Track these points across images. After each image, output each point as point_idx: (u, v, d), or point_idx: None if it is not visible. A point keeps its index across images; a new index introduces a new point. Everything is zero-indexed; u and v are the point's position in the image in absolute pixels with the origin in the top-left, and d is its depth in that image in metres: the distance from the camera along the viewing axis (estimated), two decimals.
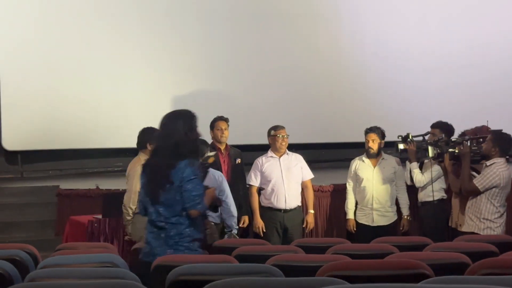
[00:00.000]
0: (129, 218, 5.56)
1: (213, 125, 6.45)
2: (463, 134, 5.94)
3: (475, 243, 4.27)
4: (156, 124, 6.35)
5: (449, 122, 6.12)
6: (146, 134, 5.99)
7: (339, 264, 3.07)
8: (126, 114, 7.66)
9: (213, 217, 5.34)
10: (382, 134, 6.27)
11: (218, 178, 5.61)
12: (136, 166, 5.88)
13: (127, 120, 7.44)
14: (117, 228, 6.02)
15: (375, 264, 3.13)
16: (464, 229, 5.37)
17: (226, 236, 5.57)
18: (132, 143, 6.02)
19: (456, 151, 5.47)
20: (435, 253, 3.70)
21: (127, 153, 6.24)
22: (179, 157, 3.94)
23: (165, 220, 4.03)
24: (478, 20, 7.95)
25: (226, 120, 6.43)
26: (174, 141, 3.95)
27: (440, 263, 3.40)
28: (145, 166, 4.11)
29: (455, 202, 5.74)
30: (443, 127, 6.06)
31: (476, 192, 5.26)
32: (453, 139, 5.65)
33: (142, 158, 5.92)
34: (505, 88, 8.05)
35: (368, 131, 6.28)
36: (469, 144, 5.41)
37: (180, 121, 4.00)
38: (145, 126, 6.08)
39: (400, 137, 6.04)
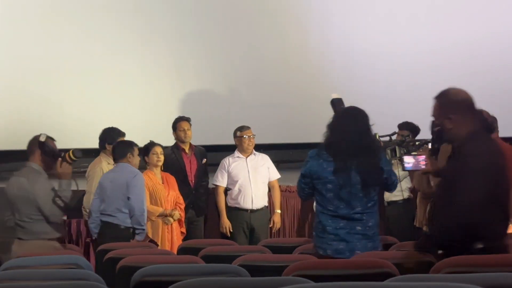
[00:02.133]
0: (88, 219, 5.52)
1: (175, 126, 6.43)
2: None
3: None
4: (122, 124, 6.37)
5: (416, 123, 6.17)
6: (106, 135, 5.94)
7: (305, 264, 3.08)
8: (92, 114, 7.58)
9: (120, 220, 5.32)
10: None
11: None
12: (96, 167, 5.84)
13: (93, 120, 7.36)
14: (81, 229, 5.96)
15: (341, 263, 3.15)
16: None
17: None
18: (96, 143, 5.98)
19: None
20: (402, 252, 3.73)
21: (94, 154, 6.17)
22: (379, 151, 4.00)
23: (361, 212, 3.87)
24: (445, 20, 8.03)
25: (188, 120, 6.41)
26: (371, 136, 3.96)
27: (406, 262, 3.42)
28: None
29: (420, 202, 5.79)
30: (409, 128, 6.11)
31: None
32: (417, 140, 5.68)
33: (103, 159, 5.89)
34: (472, 88, 8.13)
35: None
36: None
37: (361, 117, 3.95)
38: (107, 127, 6.05)
39: None
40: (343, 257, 3.75)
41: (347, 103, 4.33)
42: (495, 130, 4.85)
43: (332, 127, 3.91)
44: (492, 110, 4.79)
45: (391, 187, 4.01)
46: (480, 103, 3.59)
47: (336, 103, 4.29)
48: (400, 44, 7.93)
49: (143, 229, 5.35)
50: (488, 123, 4.61)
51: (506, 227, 3.40)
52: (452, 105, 3.29)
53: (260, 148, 6.67)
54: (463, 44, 7.95)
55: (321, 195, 3.85)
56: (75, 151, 4.57)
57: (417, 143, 5.32)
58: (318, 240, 3.88)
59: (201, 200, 6.46)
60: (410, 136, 5.80)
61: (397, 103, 7.70)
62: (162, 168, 6.15)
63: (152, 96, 7.62)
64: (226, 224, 6.37)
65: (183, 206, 6.18)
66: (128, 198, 5.25)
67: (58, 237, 4.68)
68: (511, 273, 2.85)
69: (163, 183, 6.11)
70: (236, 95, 7.73)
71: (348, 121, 3.88)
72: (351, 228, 3.83)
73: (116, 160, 5.54)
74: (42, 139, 4.57)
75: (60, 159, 4.59)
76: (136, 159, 5.55)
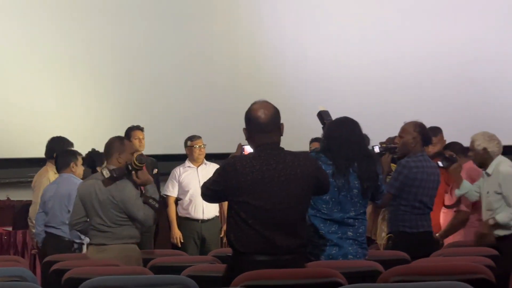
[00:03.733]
0: (34, 231, 5.41)
1: (129, 135, 6.35)
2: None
3: (389, 251, 4.36)
4: (68, 133, 6.27)
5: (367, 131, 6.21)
6: (54, 144, 5.85)
7: (254, 274, 3.06)
8: (39, 122, 7.45)
9: (65, 232, 5.25)
10: None
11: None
12: (42, 178, 5.73)
13: (40, 129, 7.23)
14: (28, 241, 5.83)
15: (290, 273, 3.14)
16: (379, 241, 5.45)
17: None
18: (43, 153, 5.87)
19: None
20: (348, 262, 3.75)
21: (41, 163, 6.05)
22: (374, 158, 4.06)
23: (353, 217, 3.86)
24: (398, 31, 8.13)
25: (142, 129, 6.36)
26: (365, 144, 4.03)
27: (353, 271, 3.44)
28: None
29: (369, 212, 5.83)
30: None
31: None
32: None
33: (49, 168, 5.78)
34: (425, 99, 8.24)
35: (314, 140, 6.32)
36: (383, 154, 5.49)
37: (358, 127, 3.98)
38: (55, 136, 5.95)
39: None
40: None
41: (298, 110, 4.35)
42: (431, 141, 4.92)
43: (330, 135, 3.95)
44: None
45: (380, 197, 4.04)
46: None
47: (324, 115, 4.33)
48: (352, 53, 8.00)
49: (82, 243, 5.28)
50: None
51: None
52: (247, 120, 3.46)
53: (211, 157, 6.65)
54: (416, 54, 8.06)
55: (316, 198, 3.82)
56: (137, 158, 4.44)
57: None
58: (310, 246, 3.84)
59: None
60: None
61: (347, 111, 7.75)
62: None
63: (100, 105, 7.52)
64: (177, 234, 6.34)
65: None
66: (69, 211, 5.18)
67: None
68: (457, 281, 2.89)
69: None
70: (187, 104, 7.68)
71: (346, 129, 3.92)
72: (343, 232, 3.84)
73: (59, 170, 5.45)
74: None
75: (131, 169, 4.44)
76: (80, 169, 5.47)
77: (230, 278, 3.19)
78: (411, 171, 4.64)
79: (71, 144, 5.97)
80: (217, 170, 3.45)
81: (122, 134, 6.44)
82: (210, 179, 3.44)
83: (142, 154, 4.52)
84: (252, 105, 3.45)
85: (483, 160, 5.07)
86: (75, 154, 5.50)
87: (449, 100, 7.97)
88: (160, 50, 7.73)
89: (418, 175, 4.64)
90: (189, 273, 3.50)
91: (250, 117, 3.42)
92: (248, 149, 4.02)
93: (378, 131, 6.19)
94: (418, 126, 4.75)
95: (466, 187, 5.16)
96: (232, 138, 7.68)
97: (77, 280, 3.28)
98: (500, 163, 5.02)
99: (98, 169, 5.97)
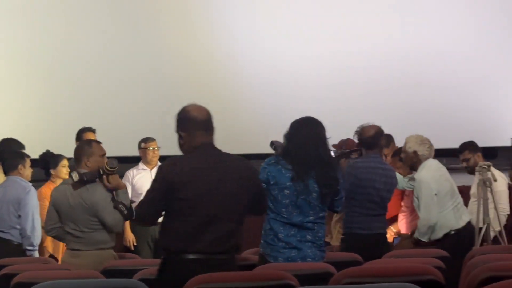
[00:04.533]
0: None
1: (80, 137, 6.27)
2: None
3: (342, 253, 4.39)
4: (21, 135, 6.16)
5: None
6: (5, 146, 5.76)
7: (206, 277, 3.06)
8: None
9: (14, 236, 5.18)
10: None
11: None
12: None
13: None
14: None
15: (242, 275, 3.14)
16: (333, 242, 5.50)
17: None
18: None
19: None
20: (301, 264, 3.77)
21: None
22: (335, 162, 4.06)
23: (313, 221, 3.86)
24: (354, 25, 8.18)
25: (94, 131, 6.29)
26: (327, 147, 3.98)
27: (306, 273, 3.46)
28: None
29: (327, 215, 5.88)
30: None
31: None
32: None
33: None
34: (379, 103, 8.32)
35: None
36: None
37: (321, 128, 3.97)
38: (6, 137, 5.85)
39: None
40: None
41: (254, 113, 4.35)
42: (376, 146, 4.93)
43: (290, 136, 3.93)
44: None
45: (339, 203, 4.03)
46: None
47: (277, 145, 4.35)
48: (304, 55, 8.03)
49: (35, 249, 5.21)
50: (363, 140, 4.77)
51: None
52: (183, 122, 3.45)
53: (165, 159, 6.58)
54: (365, 55, 8.14)
55: (276, 202, 3.85)
56: (109, 162, 4.40)
57: None
58: (268, 248, 3.88)
59: None
60: None
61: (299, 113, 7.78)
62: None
63: (53, 106, 7.41)
64: (130, 237, 6.28)
65: None
66: (19, 216, 5.10)
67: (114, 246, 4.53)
68: (406, 283, 2.93)
69: None
70: (141, 105, 7.62)
71: (306, 131, 3.91)
72: (302, 236, 3.85)
73: (6, 173, 5.36)
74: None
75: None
76: (28, 171, 5.39)
77: (162, 279, 3.21)
78: (357, 171, 4.68)
79: (22, 146, 5.87)
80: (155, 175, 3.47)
81: (74, 136, 6.37)
82: (146, 192, 3.40)
83: (114, 159, 4.46)
84: (185, 107, 3.47)
85: (412, 162, 5.18)
86: (23, 156, 5.41)
87: (396, 103, 8.07)
88: (111, 52, 7.64)
89: (364, 175, 4.67)
90: (141, 277, 3.48)
91: (187, 117, 3.42)
92: None
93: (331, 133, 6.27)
94: (357, 129, 4.83)
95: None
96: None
97: (26, 284, 3.24)
98: (424, 168, 5.11)
99: (52, 171, 5.90)
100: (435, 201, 5.04)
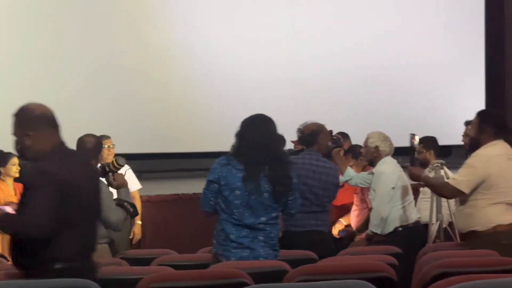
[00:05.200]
0: None
1: None
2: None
3: (296, 251, 4.40)
4: None
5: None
6: None
7: (159, 276, 3.03)
8: None
9: None
10: None
11: None
12: None
13: None
14: None
15: (196, 274, 3.13)
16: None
17: None
18: None
19: None
20: (256, 262, 3.77)
21: None
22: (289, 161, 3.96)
23: (265, 222, 3.82)
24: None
25: None
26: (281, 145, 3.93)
27: (261, 271, 3.46)
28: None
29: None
30: None
31: None
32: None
33: None
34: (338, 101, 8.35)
35: None
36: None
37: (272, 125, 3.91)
38: None
39: None
40: None
41: (210, 109, 4.31)
42: (314, 144, 4.87)
43: (241, 135, 3.90)
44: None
45: (294, 205, 3.97)
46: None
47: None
48: (263, 54, 8.04)
49: None
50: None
51: None
52: (29, 121, 3.18)
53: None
54: (323, 56, 8.18)
55: (227, 202, 3.82)
56: (118, 159, 4.27)
57: None
58: (220, 248, 3.86)
59: None
60: None
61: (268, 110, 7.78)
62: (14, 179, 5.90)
63: (3, 101, 7.26)
64: None
65: None
66: None
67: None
68: (360, 280, 2.95)
69: (16, 195, 5.86)
70: (96, 102, 7.52)
71: (258, 129, 3.87)
72: (254, 237, 3.83)
73: None
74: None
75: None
76: None
77: None
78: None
79: None
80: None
81: None
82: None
83: (121, 156, 4.38)
84: (27, 105, 3.24)
85: (373, 158, 5.26)
86: None
87: (357, 102, 8.15)
88: (70, 49, 7.53)
89: (300, 172, 4.59)
90: None
91: (36, 115, 3.19)
92: None
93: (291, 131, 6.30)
94: (299, 127, 4.86)
95: (349, 174, 5.28)
96: (141, 138, 7.63)
97: None
98: (384, 163, 5.19)
99: (1, 169, 5.79)
100: (391, 194, 5.09)
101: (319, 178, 4.71)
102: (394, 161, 5.32)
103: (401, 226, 5.09)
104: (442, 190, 4.47)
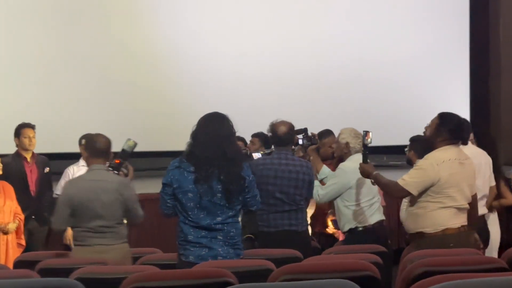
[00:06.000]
0: None
1: (19, 132, 6.15)
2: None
3: (281, 250, 4.40)
4: None
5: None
6: None
7: (143, 275, 3.02)
8: None
9: None
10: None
11: None
12: None
13: None
14: None
15: (180, 273, 3.12)
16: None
17: None
18: None
19: None
20: (242, 261, 3.77)
21: None
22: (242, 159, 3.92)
23: (222, 222, 3.81)
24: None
25: (33, 127, 6.18)
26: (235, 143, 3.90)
27: (245, 271, 3.46)
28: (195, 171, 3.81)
29: None
30: (262, 137, 6.22)
31: None
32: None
33: None
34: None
35: (254, 135, 6.32)
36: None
37: (226, 124, 3.87)
38: None
39: None
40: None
41: (196, 110, 4.29)
42: (289, 143, 4.93)
43: (194, 135, 3.88)
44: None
45: (254, 202, 3.96)
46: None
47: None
48: (249, 50, 8.06)
49: None
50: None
51: None
52: None
53: None
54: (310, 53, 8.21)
55: (182, 205, 3.83)
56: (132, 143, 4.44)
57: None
58: (181, 248, 3.88)
59: (44, 210, 6.21)
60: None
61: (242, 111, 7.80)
62: None
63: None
64: (70, 235, 6.16)
65: (22, 217, 5.93)
66: None
67: None
68: (344, 280, 2.95)
69: None
70: (83, 100, 7.50)
71: (209, 129, 3.85)
72: (213, 236, 3.84)
73: None
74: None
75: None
76: None
77: None
78: (257, 168, 4.63)
79: None
80: None
81: (9, 131, 6.24)
82: None
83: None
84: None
85: (342, 153, 5.23)
86: None
87: (339, 100, 8.18)
88: (53, 43, 7.51)
89: (264, 172, 4.65)
90: (78, 276, 3.41)
91: None
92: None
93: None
94: (269, 126, 4.84)
95: (325, 172, 5.28)
96: (128, 136, 7.60)
97: None
98: (350, 160, 5.14)
99: None
100: (337, 191, 5.06)
101: (288, 177, 4.69)
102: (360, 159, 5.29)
103: (360, 227, 5.08)
104: (391, 190, 4.43)
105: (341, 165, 5.12)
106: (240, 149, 4.08)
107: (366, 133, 4.70)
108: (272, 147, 4.99)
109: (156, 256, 4.41)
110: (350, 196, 5.05)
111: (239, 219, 4.03)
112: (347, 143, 5.19)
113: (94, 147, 4.47)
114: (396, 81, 8.44)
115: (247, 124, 6.68)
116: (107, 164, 4.40)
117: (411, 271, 3.23)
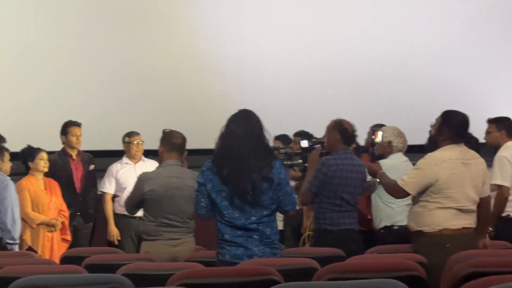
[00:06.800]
0: None
1: (66, 130, 6.25)
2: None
3: (324, 248, 4.40)
4: (3, 129, 6.09)
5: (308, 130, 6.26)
6: None
7: (190, 272, 3.05)
8: None
9: None
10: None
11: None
12: None
13: None
14: None
15: (226, 271, 3.14)
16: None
17: None
18: None
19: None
20: (286, 259, 3.77)
21: None
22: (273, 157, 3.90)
23: (256, 221, 3.82)
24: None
25: (79, 125, 6.27)
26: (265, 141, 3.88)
27: (290, 269, 3.47)
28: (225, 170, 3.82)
29: (307, 210, 5.89)
30: (281, 138, 6.18)
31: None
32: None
33: None
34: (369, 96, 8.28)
35: (276, 138, 6.33)
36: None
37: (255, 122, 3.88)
38: None
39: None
40: (241, 262, 3.75)
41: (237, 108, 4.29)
42: (353, 142, 4.93)
43: (222, 134, 3.89)
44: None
45: (288, 201, 3.90)
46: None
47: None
48: (287, 52, 8.04)
49: (16, 243, 5.19)
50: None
51: None
52: None
53: (149, 154, 6.57)
54: (355, 52, 8.15)
55: (217, 204, 3.84)
56: None
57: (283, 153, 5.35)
58: (219, 247, 3.90)
59: (89, 207, 6.31)
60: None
61: (286, 108, 7.79)
62: (45, 174, 5.97)
63: (36, 101, 7.33)
64: (114, 232, 6.26)
65: (66, 214, 6.03)
66: None
67: None
68: (390, 279, 2.94)
69: (45, 189, 5.93)
70: (125, 99, 7.57)
71: (237, 127, 3.84)
72: (248, 236, 3.84)
73: None
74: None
75: None
76: (7, 165, 5.36)
77: None
78: (329, 168, 4.65)
79: (4, 140, 5.83)
80: None
81: (56, 129, 6.33)
82: None
83: None
84: None
85: (384, 152, 5.18)
86: (1, 150, 5.38)
87: (380, 99, 8.10)
88: (94, 44, 7.59)
89: (337, 173, 4.65)
90: (125, 272, 3.46)
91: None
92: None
93: (318, 128, 6.28)
94: (339, 124, 4.79)
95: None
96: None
97: (8, 279, 3.19)
98: (389, 159, 5.11)
99: (30, 164, 5.87)
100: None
101: (355, 177, 4.72)
102: (403, 158, 5.24)
103: (396, 226, 5.02)
104: (391, 190, 4.37)
105: (380, 162, 5.09)
106: (270, 147, 4.01)
107: (374, 131, 4.67)
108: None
109: (200, 254, 4.45)
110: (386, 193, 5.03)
111: (276, 218, 4.02)
112: (389, 142, 5.16)
113: (171, 142, 4.51)
114: (439, 77, 8.30)
115: (288, 124, 6.72)
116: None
117: (458, 272, 3.18)
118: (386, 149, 5.17)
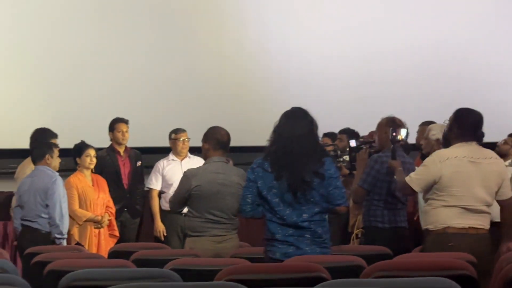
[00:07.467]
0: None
1: (113, 127, 6.34)
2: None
3: (370, 246, 4.37)
4: (54, 125, 6.21)
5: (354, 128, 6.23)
6: (38, 135, 5.83)
7: (237, 268, 3.06)
8: (21, 113, 7.37)
9: (41, 225, 5.27)
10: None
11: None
12: (26, 169, 5.69)
13: (24, 119, 7.16)
14: (9, 232, 5.81)
15: (273, 267, 3.14)
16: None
17: None
18: (27, 143, 5.81)
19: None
20: (333, 256, 3.76)
21: (24, 154, 6.01)
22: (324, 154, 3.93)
23: (308, 219, 3.85)
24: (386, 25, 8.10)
25: (126, 122, 6.36)
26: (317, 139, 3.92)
27: (337, 266, 3.46)
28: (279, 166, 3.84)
29: (353, 208, 5.85)
30: (329, 135, 6.17)
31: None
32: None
33: None
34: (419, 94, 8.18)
35: (324, 135, 6.35)
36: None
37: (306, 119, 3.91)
38: (39, 127, 5.91)
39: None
40: None
41: (283, 106, 4.29)
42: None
43: (274, 131, 3.91)
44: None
45: (338, 196, 3.88)
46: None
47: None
48: (334, 48, 7.99)
49: (64, 237, 5.29)
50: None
51: None
52: None
53: (195, 150, 6.61)
54: (402, 49, 8.07)
55: (268, 201, 3.85)
56: None
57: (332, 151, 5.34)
58: (268, 245, 3.91)
59: (136, 203, 6.39)
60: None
61: (331, 106, 7.75)
62: (93, 170, 6.05)
63: (84, 97, 7.45)
64: (160, 228, 6.32)
65: (113, 210, 6.10)
66: (47, 206, 5.15)
67: None
68: (440, 277, 2.90)
69: (93, 186, 6.01)
70: (172, 96, 7.64)
71: (288, 124, 3.86)
72: (300, 235, 3.84)
73: (34, 162, 5.42)
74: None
75: None
76: (56, 161, 5.44)
77: None
78: (382, 166, 4.62)
79: (55, 136, 5.93)
80: None
81: (107, 126, 6.42)
82: None
83: None
84: None
85: (433, 150, 5.09)
86: (51, 146, 5.46)
87: (429, 96, 8.00)
88: (143, 41, 7.67)
89: (387, 170, 4.61)
90: (172, 266, 3.49)
91: None
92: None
93: (361, 126, 6.24)
94: (391, 121, 4.75)
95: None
96: None
97: (59, 272, 3.26)
98: None
99: (78, 160, 5.97)
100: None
101: (406, 175, 4.68)
102: None
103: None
104: (400, 186, 4.36)
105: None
106: (321, 144, 4.04)
107: (395, 129, 4.61)
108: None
109: (245, 250, 4.46)
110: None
111: (326, 216, 4.01)
112: (437, 140, 5.09)
113: (216, 140, 4.53)
114: (481, 77, 8.17)
115: (334, 121, 6.69)
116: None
117: (509, 272, 3.13)
118: (434, 147, 5.11)
